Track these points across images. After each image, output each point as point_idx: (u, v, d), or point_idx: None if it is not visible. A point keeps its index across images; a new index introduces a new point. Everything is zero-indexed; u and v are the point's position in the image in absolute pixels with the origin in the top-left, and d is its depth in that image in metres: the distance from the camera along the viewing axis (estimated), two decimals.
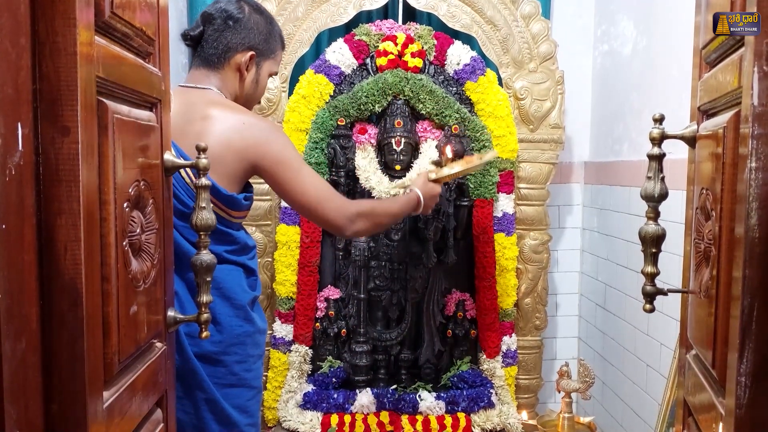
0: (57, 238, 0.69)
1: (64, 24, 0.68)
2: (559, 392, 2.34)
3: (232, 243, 1.46)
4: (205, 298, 1.04)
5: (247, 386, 1.49)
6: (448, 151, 1.90)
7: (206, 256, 1.03)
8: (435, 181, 1.79)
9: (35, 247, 0.67)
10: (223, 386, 1.43)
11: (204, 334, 1.05)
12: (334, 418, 2.21)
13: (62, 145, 0.68)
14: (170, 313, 1.03)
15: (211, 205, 1.37)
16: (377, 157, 2.40)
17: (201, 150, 1.02)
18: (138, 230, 0.89)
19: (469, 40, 2.49)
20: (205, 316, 1.04)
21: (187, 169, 1.37)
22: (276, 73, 1.65)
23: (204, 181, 1.03)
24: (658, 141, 0.98)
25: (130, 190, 0.86)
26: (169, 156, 1.02)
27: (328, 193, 1.52)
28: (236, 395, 1.46)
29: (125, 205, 0.84)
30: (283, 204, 2.35)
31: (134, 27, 0.87)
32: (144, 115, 0.94)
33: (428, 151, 2.36)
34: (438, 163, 1.87)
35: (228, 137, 1.40)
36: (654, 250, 1.00)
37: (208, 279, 1.04)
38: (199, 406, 1.41)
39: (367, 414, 2.23)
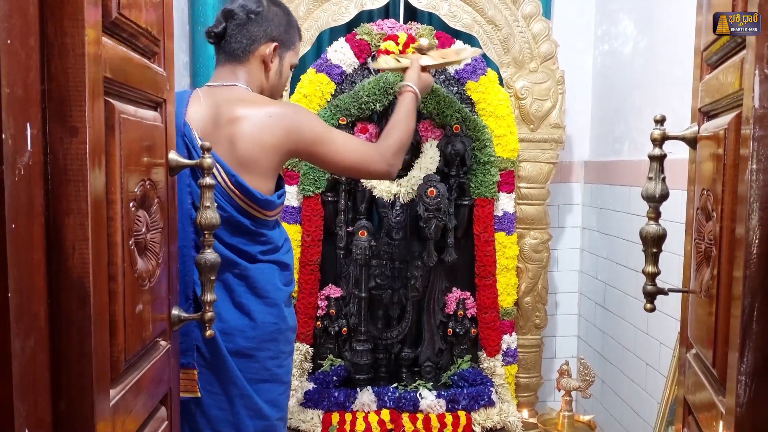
0: (65, 237, 0.69)
1: (73, 25, 0.69)
2: (559, 390, 2.35)
3: (265, 243, 1.50)
4: (209, 296, 1.04)
5: (278, 381, 1.53)
6: (424, 42, 2.08)
7: (210, 255, 1.04)
8: (423, 69, 1.91)
9: (44, 246, 0.67)
10: (256, 381, 1.48)
11: (208, 332, 1.06)
12: (335, 417, 2.22)
13: (70, 145, 0.69)
14: (174, 311, 1.04)
15: (248, 207, 1.43)
16: None
17: (206, 149, 1.03)
18: (143, 229, 0.89)
19: (470, 39, 2.50)
20: (209, 314, 1.04)
21: (222, 174, 1.40)
22: (296, 65, 1.69)
23: (208, 180, 1.03)
24: (659, 142, 0.99)
25: (135, 190, 0.86)
26: (174, 155, 1.02)
27: (362, 150, 1.60)
28: (268, 390, 1.51)
29: (131, 204, 0.85)
30: (285, 203, 2.35)
31: (140, 27, 0.88)
32: (149, 115, 0.94)
33: (429, 150, 2.37)
34: (420, 50, 2.02)
35: (259, 136, 1.43)
36: (655, 250, 1.01)
37: (212, 278, 1.05)
38: (233, 402, 1.45)
39: (368, 412, 2.24)
